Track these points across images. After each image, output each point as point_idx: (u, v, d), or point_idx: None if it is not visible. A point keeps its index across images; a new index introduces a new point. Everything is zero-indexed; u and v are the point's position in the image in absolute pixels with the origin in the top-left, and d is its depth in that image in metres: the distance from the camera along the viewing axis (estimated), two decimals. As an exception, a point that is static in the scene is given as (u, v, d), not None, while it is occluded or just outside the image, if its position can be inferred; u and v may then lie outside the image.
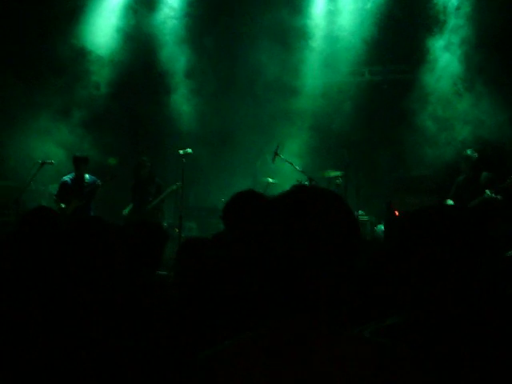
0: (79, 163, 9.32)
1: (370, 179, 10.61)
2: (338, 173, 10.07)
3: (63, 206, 9.15)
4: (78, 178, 9.36)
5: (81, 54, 11.43)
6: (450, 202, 8.71)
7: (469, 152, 8.65)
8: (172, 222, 10.49)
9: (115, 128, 11.62)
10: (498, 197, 8.27)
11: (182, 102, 11.59)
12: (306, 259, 1.57)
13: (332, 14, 11.33)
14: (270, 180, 10.51)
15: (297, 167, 10.06)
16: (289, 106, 11.16)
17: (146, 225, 3.83)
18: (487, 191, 8.31)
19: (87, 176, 9.40)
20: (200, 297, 3.09)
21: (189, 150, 9.72)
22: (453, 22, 10.14)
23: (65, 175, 9.48)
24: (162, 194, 9.51)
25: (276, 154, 9.98)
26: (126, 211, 9.62)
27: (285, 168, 10.38)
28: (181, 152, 9.66)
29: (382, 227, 9.77)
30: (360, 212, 9.97)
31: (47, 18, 11.16)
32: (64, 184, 9.37)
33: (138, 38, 11.47)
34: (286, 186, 9.76)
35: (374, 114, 11.06)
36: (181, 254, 4.09)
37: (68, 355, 2.54)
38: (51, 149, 10.76)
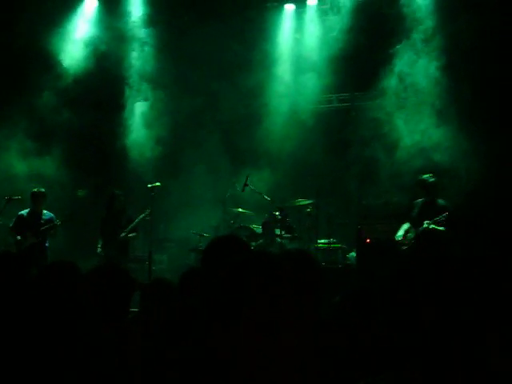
0: (36, 198, 9.21)
1: (339, 207, 10.64)
2: (308, 201, 10.09)
3: (19, 238, 9.05)
4: (35, 214, 9.24)
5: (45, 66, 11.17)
6: (406, 225, 8.72)
7: (425, 177, 8.70)
8: (141, 254, 10.39)
9: (81, 154, 11.46)
10: (441, 228, 8.33)
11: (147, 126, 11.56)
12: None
13: (298, 42, 11.42)
14: (240, 210, 10.48)
15: (266, 197, 10.06)
16: (256, 135, 11.13)
17: (113, 273, 3.75)
18: (425, 223, 8.36)
19: (45, 212, 9.28)
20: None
21: (157, 184, 9.69)
22: (419, 45, 10.19)
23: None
24: (133, 223, 9.42)
25: (246, 184, 10.00)
26: (99, 248, 9.43)
27: (254, 198, 10.38)
28: (149, 186, 9.64)
29: (353, 254, 9.78)
30: (331, 239, 9.98)
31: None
32: (20, 218, 9.26)
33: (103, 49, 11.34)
34: (257, 216, 9.79)
35: (341, 142, 11.08)
36: (146, 300, 4.04)
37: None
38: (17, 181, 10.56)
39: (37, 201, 9.23)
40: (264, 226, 10.08)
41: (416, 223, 8.59)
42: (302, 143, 10.92)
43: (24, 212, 9.33)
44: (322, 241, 10.11)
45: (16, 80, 11.02)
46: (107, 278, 3.51)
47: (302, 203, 10.20)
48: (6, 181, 10.51)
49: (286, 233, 9.84)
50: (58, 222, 9.26)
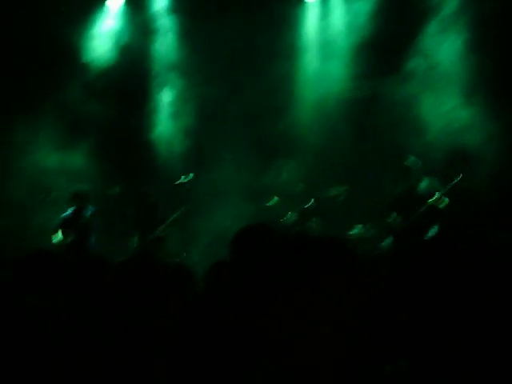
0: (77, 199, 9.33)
1: (370, 194, 10.53)
2: (340, 189, 10.02)
3: (62, 238, 9.19)
4: (76, 212, 9.35)
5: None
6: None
7: (412, 159, 8.54)
8: (176, 250, 10.46)
9: (109, 148, 11.48)
10: (445, 200, 8.19)
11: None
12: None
13: (324, 29, 11.32)
14: (272, 201, 10.43)
15: (299, 186, 10.06)
16: (283, 124, 11.05)
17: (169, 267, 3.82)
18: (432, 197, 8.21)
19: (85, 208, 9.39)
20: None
21: (190, 176, 9.75)
22: (446, 24, 10.00)
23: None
24: (170, 218, 9.49)
25: (277, 173, 10.02)
26: (134, 243, 9.53)
27: (287, 187, 10.36)
28: (183, 178, 9.70)
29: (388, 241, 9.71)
30: (366, 226, 9.92)
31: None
32: (63, 218, 9.37)
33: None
34: (290, 206, 9.73)
35: (370, 128, 10.95)
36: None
37: None
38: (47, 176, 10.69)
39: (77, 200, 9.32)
40: (298, 215, 10.06)
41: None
42: (331, 131, 10.83)
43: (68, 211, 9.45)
44: (357, 228, 10.05)
45: (44, 74, 11.07)
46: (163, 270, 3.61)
47: (334, 192, 10.15)
48: (35, 175, 10.61)
49: (321, 221, 9.81)
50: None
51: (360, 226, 9.98)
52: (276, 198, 10.30)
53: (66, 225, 9.24)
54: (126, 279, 3.79)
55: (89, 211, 9.34)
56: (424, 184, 8.51)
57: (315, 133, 10.88)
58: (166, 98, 11.69)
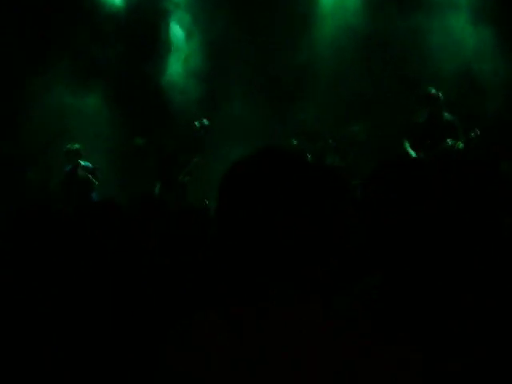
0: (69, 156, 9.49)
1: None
2: (359, 127, 9.89)
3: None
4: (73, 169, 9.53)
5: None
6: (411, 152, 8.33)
7: (433, 91, 8.34)
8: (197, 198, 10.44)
9: (125, 93, 11.29)
10: (460, 145, 8.05)
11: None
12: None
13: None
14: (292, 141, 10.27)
15: (314, 125, 9.96)
16: (297, 62, 10.80)
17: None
18: (448, 140, 8.05)
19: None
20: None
21: (205, 122, 9.64)
22: None
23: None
24: (189, 166, 9.48)
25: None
26: (156, 190, 9.53)
27: (304, 127, 10.25)
28: (197, 124, 9.60)
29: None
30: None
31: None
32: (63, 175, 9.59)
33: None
34: (308, 145, 9.55)
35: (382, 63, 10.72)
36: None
37: None
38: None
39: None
40: (315, 154, 9.96)
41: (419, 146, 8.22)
42: (346, 69, 10.60)
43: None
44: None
45: (52, 21, 10.85)
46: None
47: (353, 129, 10.03)
48: (53, 118, 10.51)
49: (339, 160, 9.73)
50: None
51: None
52: (294, 141, 10.18)
53: (64, 182, 9.36)
54: (148, 226, 3.79)
55: (85, 168, 9.41)
56: (446, 117, 8.34)
57: (330, 70, 10.67)
58: (175, 38, 11.40)
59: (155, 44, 11.27)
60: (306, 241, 1.46)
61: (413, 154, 8.20)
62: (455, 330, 1.93)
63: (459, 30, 9.83)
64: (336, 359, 1.37)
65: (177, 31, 11.37)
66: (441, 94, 8.27)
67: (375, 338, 1.40)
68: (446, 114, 8.32)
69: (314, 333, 1.40)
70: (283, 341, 1.42)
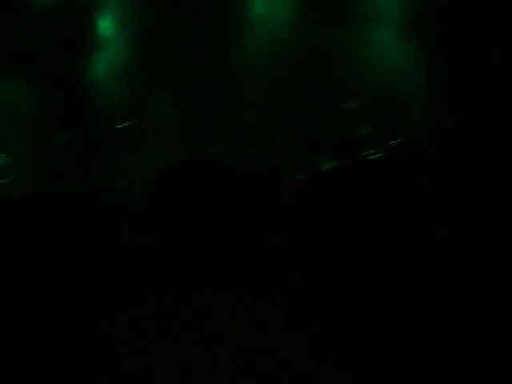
0: None
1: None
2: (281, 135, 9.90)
3: None
4: None
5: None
6: None
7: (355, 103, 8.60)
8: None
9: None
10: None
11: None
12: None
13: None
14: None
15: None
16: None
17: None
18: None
19: None
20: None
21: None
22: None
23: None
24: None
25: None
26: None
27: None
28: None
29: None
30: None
31: None
32: None
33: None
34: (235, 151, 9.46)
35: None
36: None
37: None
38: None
39: None
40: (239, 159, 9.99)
41: None
42: (274, 77, 10.68)
43: None
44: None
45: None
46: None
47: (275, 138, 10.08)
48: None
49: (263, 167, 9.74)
50: None
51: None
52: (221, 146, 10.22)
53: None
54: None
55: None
56: (365, 130, 8.55)
57: (256, 77, 10.75)
58: (105, 31, 11.19)
59: (84, 37, 11.01)
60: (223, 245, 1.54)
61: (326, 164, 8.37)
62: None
63: (384, 44, 10.08)
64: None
65: (106, 27, 11.15)
66: (362, 106, 8.46)
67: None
68: (367, 126, 8.52)
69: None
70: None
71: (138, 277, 2.90)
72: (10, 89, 10.44)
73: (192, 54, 10.78)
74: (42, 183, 9.64)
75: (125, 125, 9.57)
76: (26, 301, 3.08)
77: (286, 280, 2.23)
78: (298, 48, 10.58)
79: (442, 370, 2.08)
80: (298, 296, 2.16)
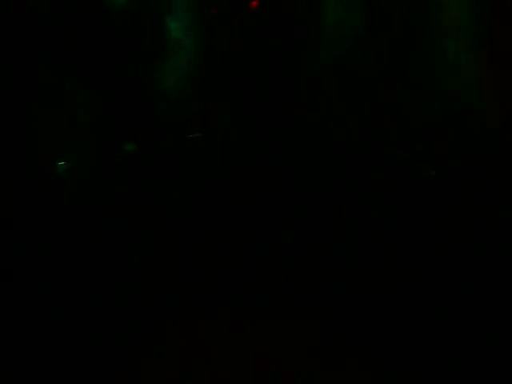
0: None
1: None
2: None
3: None
4: None
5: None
6: None
7: None
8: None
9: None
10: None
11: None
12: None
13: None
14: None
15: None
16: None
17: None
18: None
19: None
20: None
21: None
22: None
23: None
24: None
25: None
26: None
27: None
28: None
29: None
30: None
31: None
32: None
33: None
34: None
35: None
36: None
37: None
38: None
39: None
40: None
41: None
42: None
43: None
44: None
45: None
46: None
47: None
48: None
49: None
50: None
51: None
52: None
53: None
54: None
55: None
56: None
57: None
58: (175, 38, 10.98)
59: (154, 44, 10.86)
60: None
61: None
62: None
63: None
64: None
65: (177, 34, 10.97)
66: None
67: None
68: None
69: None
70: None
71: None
72: (77, 96, 10.35)
73: (264, 62, 10.56)
74: (106, 192, 9.49)
75: (194, 135, 9.37)
76: (97, 306, 2.91)
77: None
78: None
79: (439, 370, 1.93)
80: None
